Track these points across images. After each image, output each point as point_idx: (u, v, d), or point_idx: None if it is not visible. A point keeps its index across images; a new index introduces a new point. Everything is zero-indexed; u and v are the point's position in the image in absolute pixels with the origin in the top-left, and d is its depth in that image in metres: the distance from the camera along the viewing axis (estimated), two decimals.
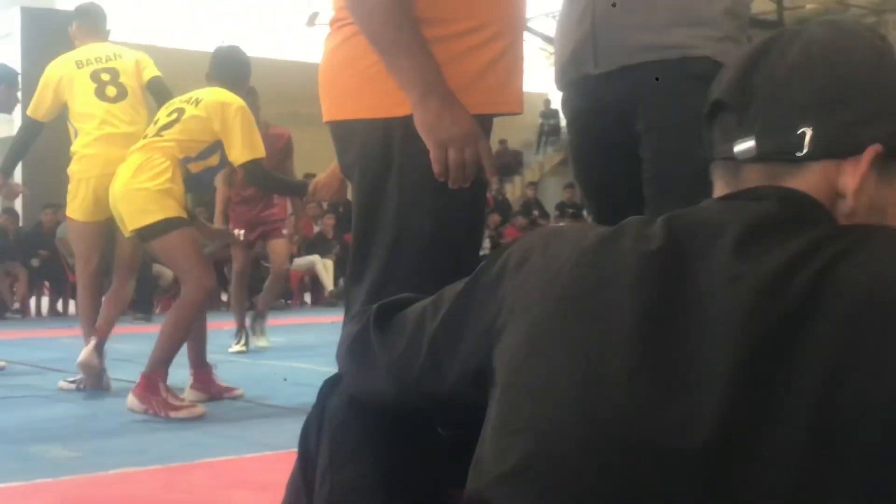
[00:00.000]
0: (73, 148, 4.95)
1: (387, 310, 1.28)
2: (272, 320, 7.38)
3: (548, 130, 22.19)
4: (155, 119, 4.49)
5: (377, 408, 1.29)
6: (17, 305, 11.23)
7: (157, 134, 4.35)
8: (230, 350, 6.78)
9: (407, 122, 1.83)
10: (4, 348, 7.21)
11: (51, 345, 7.79)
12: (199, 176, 4.49)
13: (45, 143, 5.75)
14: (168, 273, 11.02)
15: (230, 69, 4.69)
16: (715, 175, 1.10)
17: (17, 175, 13.21)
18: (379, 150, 1.89)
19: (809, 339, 0.90)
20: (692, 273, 0.96)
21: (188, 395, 4.55)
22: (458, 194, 1.86)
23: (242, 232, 6.21)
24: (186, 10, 26.24)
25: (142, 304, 10.27)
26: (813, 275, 0.92)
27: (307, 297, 13.23)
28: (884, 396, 0.87)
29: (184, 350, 4.49)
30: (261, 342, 7.04)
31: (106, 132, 4.85)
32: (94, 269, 5.01)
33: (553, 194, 17.88)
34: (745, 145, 1.04)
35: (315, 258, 12.93)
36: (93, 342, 4.86)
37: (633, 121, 2.09)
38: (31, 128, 5.17)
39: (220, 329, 9.34)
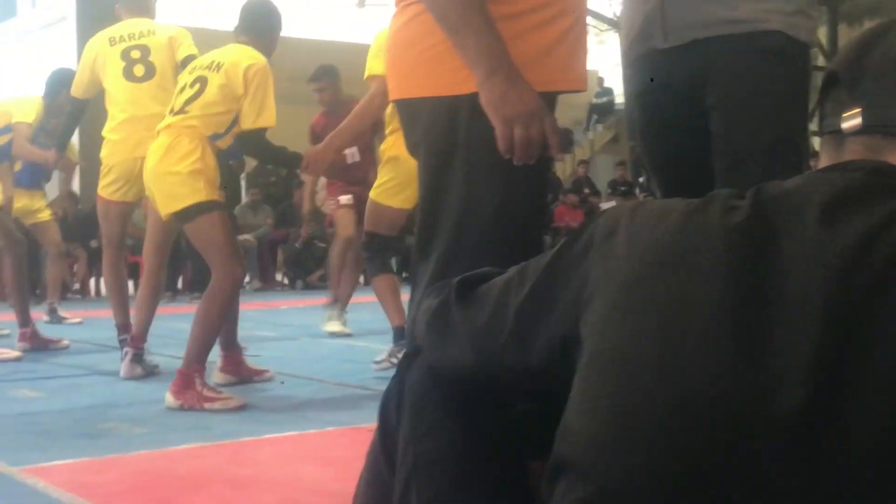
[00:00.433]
0: (103, 132, 4.99)
1: (468, 283, 1.30)
2: (323, 299, 7.42)
3: (599, 108, 22.06)
4: (180, 87, 4.33)
5: (456, 380, 1.31)
6: (76, 286, 11.42)
7: (182, 110, 4.19)
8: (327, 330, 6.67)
9: (473, 99, 1.84)
10: (67, 328, 7.35)
11: (111, 324, 7.89)
12: (228, 150, 4.39)
13: (101, 126, 5.86)
14: None
15: (257, 22, 4.43)
16: (822, 149, 1.11)
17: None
18: (445, 127, 1.91)
19: (892, 304, 0.92)
20: (778, 243, 0.97)
21: (216, 377, 4.48)
22: (523, 171, 1.87)
23: (350, 197, 6.22)
24: None
25: (198, 285, 10.38)
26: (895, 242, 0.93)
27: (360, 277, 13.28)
28: None
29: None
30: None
31: (130, 114, 4.83)
32: (116, 244, 5.14)
33: (604, 172, 17.80)
34: (851, 120, 1.06)
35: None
36: (128, 356, 4.79)
37: (703, 96, 2.09)
38: (76, 105, 5.24)
39: (276, 308, 9.46)
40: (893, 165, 1.03)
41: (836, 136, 1.09)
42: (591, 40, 18.30)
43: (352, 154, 5.65)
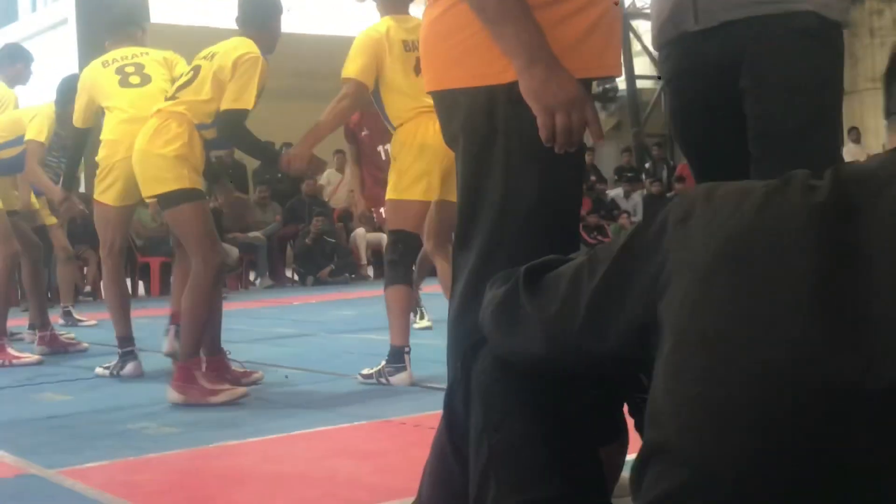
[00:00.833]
0: (101, 136, 4.95)
1: (535, 272, 1.30)
2: (343, 294, 7.43)
3: (602, 95, 22.00)
4: (177, 76, 4.41)
5: (527, 370, 1.31)
6: (88, 289, 11.43)
7: (173, 96, 4.25)
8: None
9: (511, 88, 1.85)
10: (80, 330, 7.35)
11: None
12: (213, 141, 4.35)
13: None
14: (234, 251, 11.15)
15: (254, 15, 4.39)
16: (889, 129, 1.11)
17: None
18: (483, 117, 1.91)
19: None
20: (861, 221, 0.98)
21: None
22: (562, 159, 1.88)
23: (382, 211, 6.18)
24: None
25: None
26: None
27: (370, 271, 13.30)
28: None
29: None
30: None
31: (130, 115, 4.76)
32: (118, 252, 4.99)
33: (609, 159, 17.77)
34: None
35: (382, 236, 12.98)
36: (173, 329, 4.88)
37: (736, 78, 2.08)
38: (78, 136, 5.25)
39: (290, 304, 9.46)
40: None
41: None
42: None
43: (383, 152, 5.69)
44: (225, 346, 4.61)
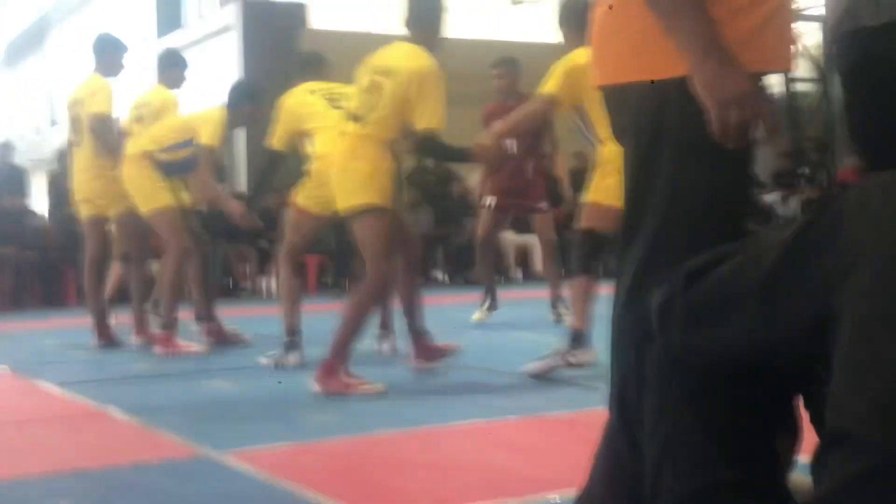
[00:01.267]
0: (312, 150, 5.16)
1: (699, 269, 1.31)
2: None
3: None
4: (357, 90, 4.55)
5: (701, 363, 1.32)
6: (248, 285, 11.82)
7: (360, 117, 4.44)
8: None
9: (681, 83, 1.84)
10: (243, 325, 7.60)
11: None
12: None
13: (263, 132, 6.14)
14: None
15: (421, 15, 4.53)
16: None
17: (242, 164, 13.91)
18: (653, 112, 1.91)
19: None
20: None
21: (413, 363, 4.79)
22: (732, 155, 1.87)
23: (494, 198, 6.51)
24: None
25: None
26: None
27: (518, 273, 13.34)
28: None
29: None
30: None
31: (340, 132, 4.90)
32: (298, 253, 5.32)
33: (766, 163, 17.31)
34: None
35: (531, 239, 13.00)
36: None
37: None
38: (273, 157, 5.49)
39: (440, 305, 9.57)
40: None
41: None
42: None
43: (510, 145, 5.84)
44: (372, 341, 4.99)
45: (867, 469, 1.00)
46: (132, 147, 6.06)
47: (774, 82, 18.38)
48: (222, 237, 10.47)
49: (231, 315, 8.13)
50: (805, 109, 19.34)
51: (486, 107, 7.14)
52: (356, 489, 2.70)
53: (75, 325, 7.53)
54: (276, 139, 5.36)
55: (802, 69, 19.67)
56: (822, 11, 19.85)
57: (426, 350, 4.85)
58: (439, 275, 13.01)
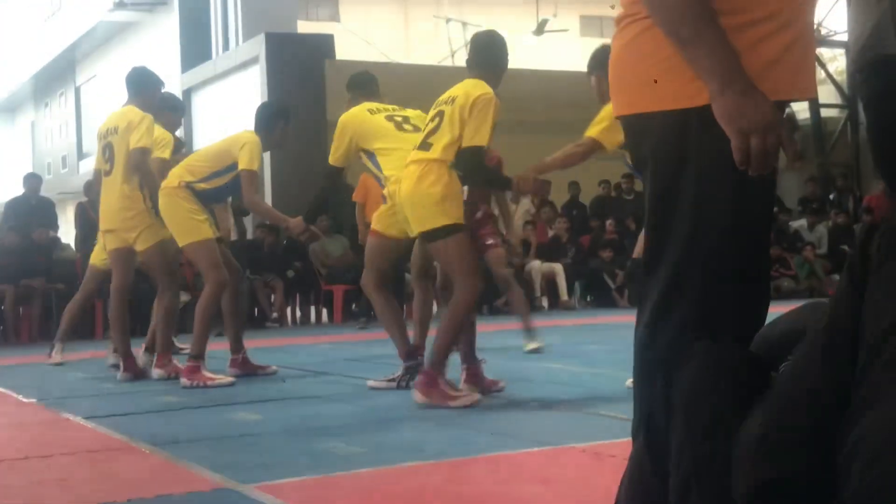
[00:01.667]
0: (385, 172, 5.20)
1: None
2: (519, 323, 7.44)
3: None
4: (426, 121, 4.83)
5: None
6: (275, 315, 11.85)
7: (425, 144, 4.69)
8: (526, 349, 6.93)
9: (703, 112, 1.84)
10: (270, 355, 7.63)
11: (312, 350, 8.19)
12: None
13: (294, 163, 6.18)
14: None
15: (487, 55, 4.90)
16: None
17: (266, 183, 13.99)
18: (675, 141, 1.91)
19: None
20: None
21: (462, 389, 4.89)
22: (754, 183, 1.86)
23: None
24: (416, 25, 27.00)
25: None
26: None
27: (545, 302, 13.31)
28: None
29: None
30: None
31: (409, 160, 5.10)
32: (385, 277, 5.46)
33: (793, 189, 17.25)
34: None
35: (557, 267, 13.02)
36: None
37: None
38: (333, 174, 5.58)
39: None
40: None
41: None
42: None
43: (463, 191, 6.05)
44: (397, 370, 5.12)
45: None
46: (169, 180, 6.09)
47: (801, 108, 18.35)
48: (248, 268, 10.52)
49: (258, 345, 8.17)
50: (831, 135, 19.25)
51: None
52: None
53: (103, 357, 7.58)
54: (337, 157, 5.46)
55: (828, 95, 19.61)
56: (846, 38, 19.83)
57: (476, 378, 5.01)
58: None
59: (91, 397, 5.70)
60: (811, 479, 1.25)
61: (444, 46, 23.55)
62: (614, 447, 3.34)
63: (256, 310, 11.63)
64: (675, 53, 1.86)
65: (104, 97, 29.85)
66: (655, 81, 1.91)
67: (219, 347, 6.71)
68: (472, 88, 4.69)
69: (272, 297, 11.87)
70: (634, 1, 1.95)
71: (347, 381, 5.97)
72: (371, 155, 5.33)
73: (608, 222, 13.83)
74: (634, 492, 1.47)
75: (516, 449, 3.61)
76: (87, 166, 19.05)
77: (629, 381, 5.07)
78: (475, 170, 4.74)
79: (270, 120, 6.22)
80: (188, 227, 5.98)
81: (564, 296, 13.05)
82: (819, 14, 17.07)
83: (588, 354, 7.04)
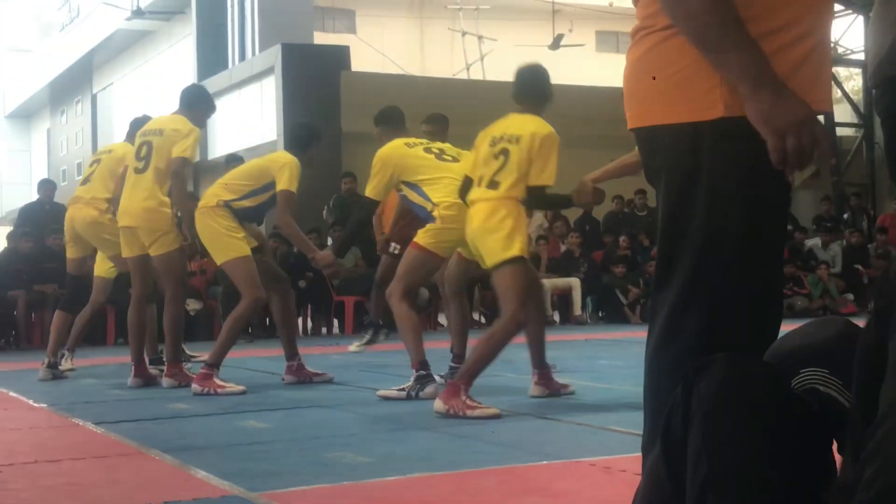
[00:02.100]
0: (435, 199, 5.39)
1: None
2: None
3: None
4: (484, 158, 5.04)
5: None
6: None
7: (493, 183, 4.97)
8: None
9: (716, 126, 1.85)
10: (280, 363, 7.62)
11: (321, 361, 8.17)
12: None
13: (308, 174, 6.22)
14: (424, 292, 11.34)
15: (537, 89, 5.22)
16: None
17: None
18: (687, 154, 1.91)
19: None
20: None
21: (532, 390, 5.30)
22: (767, 196, 1.86)
23: (398, 246, 6.77)
24: (431, 37, 27.06)
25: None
26: None
27: (556, 316, 13.29)
28: None
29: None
30: None
31: (458, 183, 5.31)
32: (411, 293, 5.57)
33: (807, 207, 17.21)
34: None
35: (574, 282, 13.00)
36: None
37: None
38: (370, 207, 5.76)
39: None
40: None
41: None
42: None
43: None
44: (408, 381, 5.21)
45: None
46: (207, 199, 6.15)
47: None
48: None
49: (269, 354, 8.18)
50: (846, 154, 19.21)
51: None
52: None
53: (115, 363, 7.59)
54: (378, 191, 5.62)
55: (844, 114, 19.58)
56: (863, 56, 19.79)
57: (546, 381, 5.32)
58: (475, 315, 12.99)
59: (101, 403, 5.71)
60: None
61: (459, 59, 23.64)
62: (625, 462, 3.32)
63: (268, 319, 11.62)
64: (688, 66, 1.86)
65: (120, 105, 30.04)
66: (668, 94, 1.91)
67: (232, 356, 6.71)
68: (537, 128, 5.00)
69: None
70: (649, 14, 1.95)
71: (357, 390, 5.97)
72: (413, 186, 5.53)
73: (621, 238, 13.81)
74: (648, 497, 1.46)
75: (526, 462, 3.59)
76: None
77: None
78: (544, 203, 5.28)
79: (304, 140, 6.33)
80: (226, 244, 6.03)
81: (578, 310, 13.02)
82: (836, 33, 17.06)
83: (599, 369, 7.02)
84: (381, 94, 13.14)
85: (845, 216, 16.71)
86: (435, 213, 5.40)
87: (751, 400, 1.31)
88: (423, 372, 5.36)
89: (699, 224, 1.91)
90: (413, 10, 28.47)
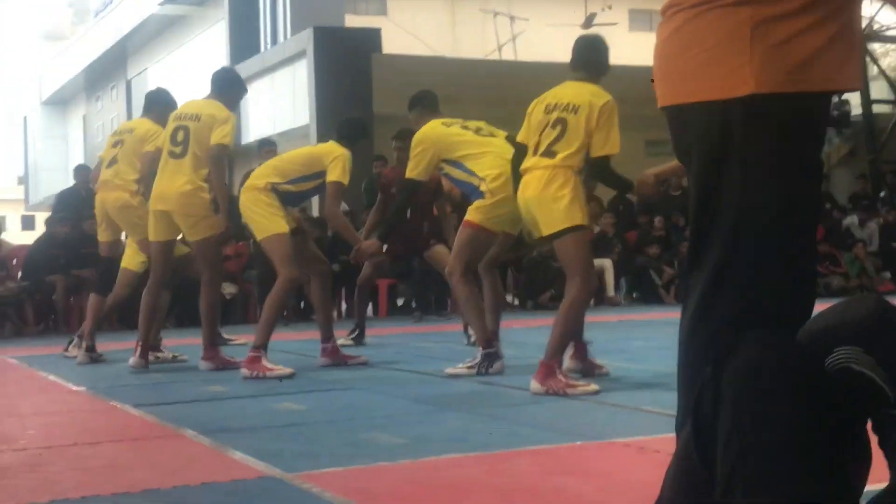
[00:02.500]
0: (483, 172, 5.46)
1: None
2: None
3: (835, 120, 21.15)
4: (540, 127, 5.00)
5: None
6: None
7: (549, 152, 4.92)
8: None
9: (746, 102, 1.83)
10: (315, 345, 7.66)
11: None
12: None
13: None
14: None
15: (596, 57, 5.18)
16: None
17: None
18: (718, 132, 1.90)
19: None
20: None
21: (567, 364, 5.20)
22: (799, 172, 1.85)
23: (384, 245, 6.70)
24: (463, 19, 26.99)
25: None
26: None
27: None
28: None
29: None
30: None
31: (507, 157, 5.34)
32: (471, 268, 5.63)
33: (844, 186, 17.05)
34: None
35: (606, 263, 12.96)
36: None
37: None
38: (413, 188, 5.85)
39: (510, 327, 9.56)
40: None
41: None
42: None
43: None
44: (442, 363, 5.21)
45: None
46: (254, 179, 6.25)
47: (853, 104, 18.11)
48: None
49: (303, 337, 8.22)
50: (883, 132, 18.98)
51: (385, 171, 8.53)
52: None
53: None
54: (419, 171, 5.71)
55: (881, 91, 19.33)
56: None
57: (581, 357, 5.34)
58: (509, 298, 12.98)
59: (139, 386, 5.78)
60: None
61: (491, 40, 23.53)
62: (658, 442, 3.32)
63: (303, 303, 11.69)
64: (718, 43, 1.85)
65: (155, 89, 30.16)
66: (698, 72, 1.90)
67: (276, 338, 6.76)
68: (594, 97, 4.93)
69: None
70: None
71: (392, 371, 6.00)
72: (456, 163, 5.60)
73: (656, 219, 13.74)
74: (680, 483, 1.46)
75: (559, 442, 3.60)
76: None
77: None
78: (608, 177, 5.12)
79: (354, 136, 6.43)
80: (267, 221, 6.10)
81: (611, 291, 12.99)
82: (871, 9, 16.83)
83: (633, 350, 7.02)
84: (413, 77, 13.14)
85: (882, 194, 16.53)
86: (482, 188, 5.44)
87: (781, 379, 1.31)
88: (490, 350, 5.48)
89: (731, 202, 1.90)
90: None
